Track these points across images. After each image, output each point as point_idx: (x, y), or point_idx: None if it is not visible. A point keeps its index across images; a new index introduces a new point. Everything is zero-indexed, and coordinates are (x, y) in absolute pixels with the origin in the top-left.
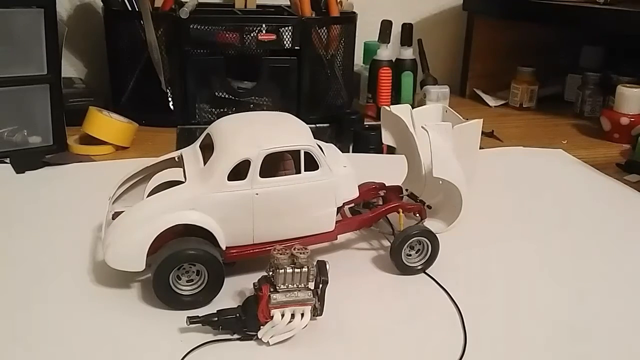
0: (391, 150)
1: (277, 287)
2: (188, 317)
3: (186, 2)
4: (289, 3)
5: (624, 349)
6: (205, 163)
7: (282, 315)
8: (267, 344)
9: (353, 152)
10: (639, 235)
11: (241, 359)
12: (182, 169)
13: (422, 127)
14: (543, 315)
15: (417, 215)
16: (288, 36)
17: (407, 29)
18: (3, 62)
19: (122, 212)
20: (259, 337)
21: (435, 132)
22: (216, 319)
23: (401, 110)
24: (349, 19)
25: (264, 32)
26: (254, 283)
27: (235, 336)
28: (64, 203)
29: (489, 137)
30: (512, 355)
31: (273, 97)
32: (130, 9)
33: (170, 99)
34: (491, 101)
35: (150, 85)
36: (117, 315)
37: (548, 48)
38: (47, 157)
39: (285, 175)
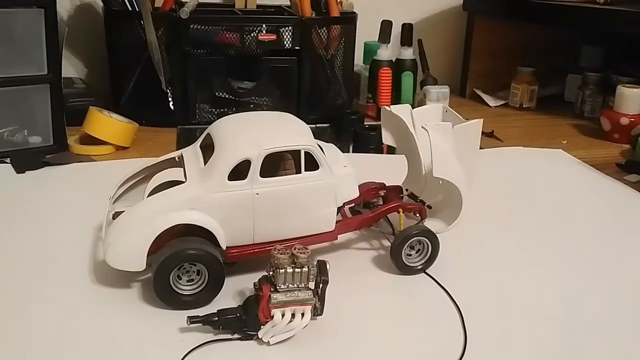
0: (391, 150)
1: (278, 287)
2: (188, 316)
3: (186, 2)
4: (289, 3)
5: (624, 349)
6: (205, 163)
7: (283, 315)
8: (268, 343)
9: (353, 152)
10: (638, 235)
11: (241, 358)
12: (182, 169)
13: (422, 127)
14: (543, 315)
15: (417, 215)
16: (288, 36)
17: (407, 29)
18: (3, 62)
19: (123, 212)
20: (260, 336)
21: (435, 132)
22: (216, 318)
23: (401, 110)
24: (349, 19)
25: (264, 32)
26: (254, 283)
27: (236, 336)
28: (64, 203)
29: (489, 137)
30: (512, 355)
31: (273, 97)
32: (130, 9)
33: (170, 99)
34: (491, 101)
35: (150, 85)
36: (117, 315)
37: (548, 48)
38: (47, 157)
39: (286, 175)
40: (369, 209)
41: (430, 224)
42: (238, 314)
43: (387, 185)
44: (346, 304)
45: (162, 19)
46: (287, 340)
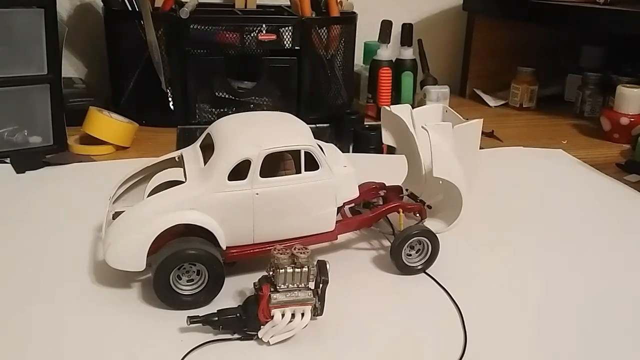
0: (391, 150)
1: (278, 287)
2: (188, 316)
3: (186, 2)
4: (289, 3)
5: (624, 350)
6: (205, 163)
7: (283, 315)
8: (268, 343)
9: (353, 152)
10: (638, 235)
11: (241, 358)
12: (182, 169)
13: (422, 127)
14: (543, 315)
15: (417, 215)
16: (288, 36)
17: (407, 29)
18: (3, 62)
19: (123, 212)
20: (260, 336)
21: (435, 132)
22: (216, 318)
23: (401, 110)
24: (349, 19)
25: (264, 32)
26: (254, 283)
27: (236, 336)
28: (64, 203)
29: (489, 137)
30: (512, 355)
31: (273, 97)
32: (130, 9)
33: (170, 99)
34: (491, 101)
35: (150, 85)
36: (117, 315)
37: (548, 48)
38: (47, 157)
39: (286, 175)
40: (369, 209)
41: (430, 224)
42: (238, 314)
43: (387, 185)
44: (346, 304)
45: (162, 19)
46: (287, 340)
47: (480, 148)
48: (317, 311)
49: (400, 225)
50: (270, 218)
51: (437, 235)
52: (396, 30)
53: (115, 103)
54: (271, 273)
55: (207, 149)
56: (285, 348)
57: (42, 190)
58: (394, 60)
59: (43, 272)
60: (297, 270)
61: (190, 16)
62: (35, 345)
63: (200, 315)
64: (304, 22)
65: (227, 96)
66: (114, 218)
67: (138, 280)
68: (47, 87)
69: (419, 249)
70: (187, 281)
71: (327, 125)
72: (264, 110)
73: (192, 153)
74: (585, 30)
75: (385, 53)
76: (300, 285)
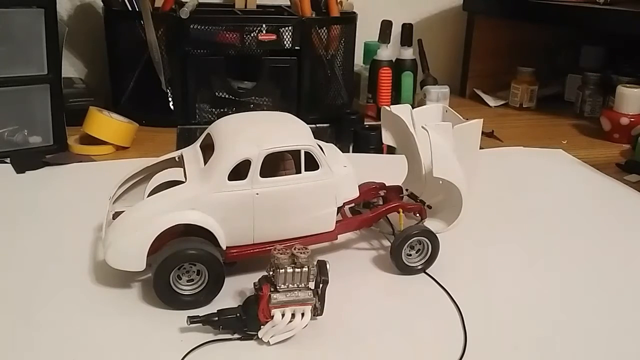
0: (391, 150)
1: (278, 287)
2: (188, 316)
3: (186, 2)
4: (289, 3)
5: (626, 349)
6: (205, 163)
7: (283, 315)
8: (268, 343)
9: (353, 152)
10: (638, 235)
11: (241, 358)
12: (182, 169)
13: (422, 127)
14: (543, 315)
15: (417, 215)
16: (288, 36)
17: (407, 29)
18: (3, 62)
19: (123, 212)
20: (260, 336)
21: (435, 132)
22: (217, 318)
23: (401, 110)
24: (349, 19)
25: (264, 32)
26: (254, 283)
27: (236, 336)
28: (64, 203)
29: (489, 137)
30: (512, 355)
31: (273, 97)
32: (130, 9)
33: (170, 99)
34: (491, 101)
35: (150, 85)
36: (117, 315)
37: (548, 48)
38: (48, 157)
39: (286, 175)
40: (369, 209)
41: (430, 224)
42: (238, 314)
43: (387, 185)
44: (346, 304)
45: (162, 19)
46: (287, 340)
47: (480, 148)
48: (317, 311)
49: (400, 225)
50: (270, 218)
51: (437, 235)
52: (396, 30)
53: (115, 103)
54: (271, 273)
55: (207, 149)
56: (285, 348)
57: (42, 190)
58: (394, 60)
59: (43, 272)
60: (297, 270)
61: (190, 16)
62: (35, 344)
63: (200, 315)
64: (304, 22)
65: (227, 96)
66: (114, 218)
67: (138, 280)
68: (47, 87)
69: (419, 249)
70: (187, 281)
71: (327, 125)
72: (264, 110)
73: (192, 153)
74: (585, 30)
75: (385, 53)
76: (300, 285)
